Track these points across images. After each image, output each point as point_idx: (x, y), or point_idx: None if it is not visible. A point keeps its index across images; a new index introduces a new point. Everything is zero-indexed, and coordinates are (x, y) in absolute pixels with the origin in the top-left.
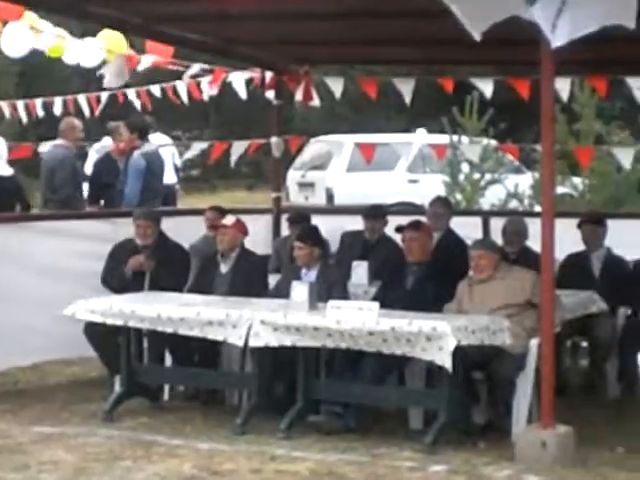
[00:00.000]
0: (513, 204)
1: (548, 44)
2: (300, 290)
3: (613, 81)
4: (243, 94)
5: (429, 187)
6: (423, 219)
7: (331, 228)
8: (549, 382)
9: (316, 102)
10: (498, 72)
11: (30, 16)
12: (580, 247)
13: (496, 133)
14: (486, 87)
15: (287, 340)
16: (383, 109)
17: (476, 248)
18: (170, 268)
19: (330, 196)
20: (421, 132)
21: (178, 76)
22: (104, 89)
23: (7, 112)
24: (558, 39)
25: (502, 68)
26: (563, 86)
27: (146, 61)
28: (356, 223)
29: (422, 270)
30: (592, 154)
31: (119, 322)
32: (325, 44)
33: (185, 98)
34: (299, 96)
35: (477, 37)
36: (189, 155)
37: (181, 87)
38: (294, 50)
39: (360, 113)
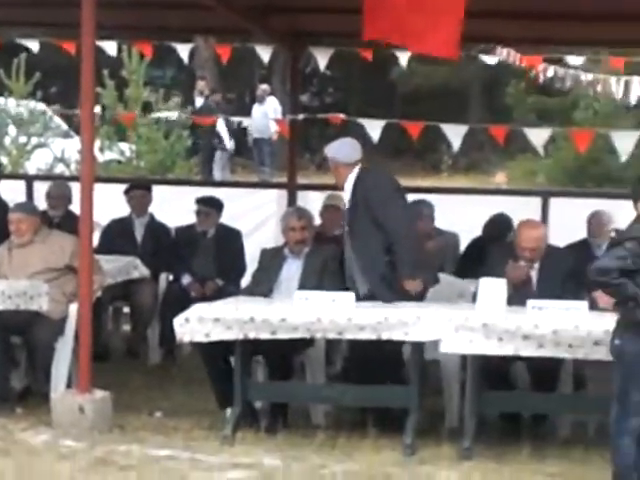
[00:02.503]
0: (60, 168)
1: (90, 5)
2: None
3: (162, 47)
4: None
5: None
6: None
7: None
8: (87, 347)
9: None
10: (46, 34)
11: None
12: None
13: (44, 96)
14: (34, 45)
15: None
16: None
17: (15, 212)
18: None
19: None
20: None
21: None
22: None
23: None
24: None
25: (50, 30)
26: (111, 50)
27: None
28: None
29: None
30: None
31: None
32: None
33: None
34: None
35: None
36: None
37: None
38: None
39: None
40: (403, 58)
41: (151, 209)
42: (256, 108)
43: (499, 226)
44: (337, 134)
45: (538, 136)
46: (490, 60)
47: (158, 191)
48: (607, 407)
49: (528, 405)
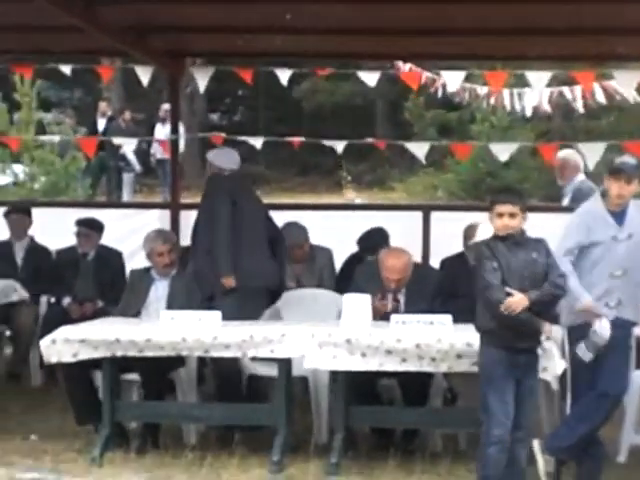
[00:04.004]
0: None
1: None
2: None
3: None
4: None
5: None
6: None
7: None
8: None
9: None
10: None
11: None
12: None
13: None
14: None
15: None
16: None
17: None
18: None
19: None
20: None
21: None
22: None
23: None
24: None
25: None
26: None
27: None
28: None
29: None
30: None
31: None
32: None
33: None
34: None
35: None
36: None
37: None
38: None
39: None
40: (283, 77)
41: (37, 231)
42: (159, 128)
43: (374, 239)
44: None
45: (419, 148)
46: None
47: (44, 213)
48: (477, 419)
49: (398, 420)
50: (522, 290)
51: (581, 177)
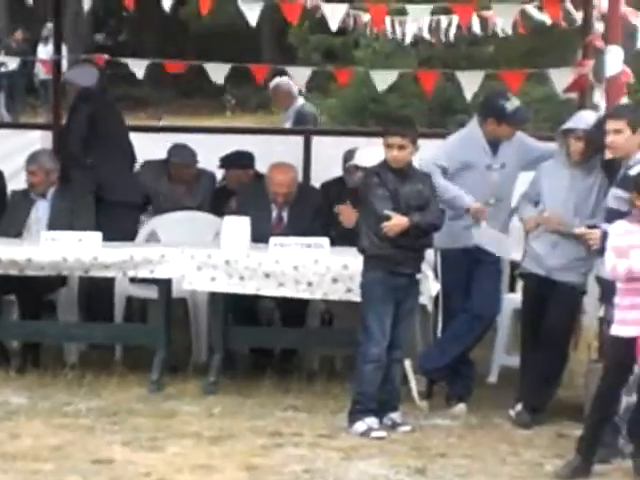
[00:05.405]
0: None
1: None
2: None
3: None
4: None
5: None
6: None
7: None
8: None
9: None
10: None
11: None
12: None
13: None
14: None
15: None
16: None
17: None
18: None
19: None
20: None
21: None
22: None
23: None
24: None
25: None
26: None
27: None
28: None
29: None
30: None
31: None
32: None
33: None
34: None
35: None
36: None
37: None
38: None
39: None
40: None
41: None
42: (41, 49)
43: (233, 159)
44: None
45: (300, 74)
46: None
47: None
48: (353, 341)
49: (276, 340)
50: None
51: (300, 101)
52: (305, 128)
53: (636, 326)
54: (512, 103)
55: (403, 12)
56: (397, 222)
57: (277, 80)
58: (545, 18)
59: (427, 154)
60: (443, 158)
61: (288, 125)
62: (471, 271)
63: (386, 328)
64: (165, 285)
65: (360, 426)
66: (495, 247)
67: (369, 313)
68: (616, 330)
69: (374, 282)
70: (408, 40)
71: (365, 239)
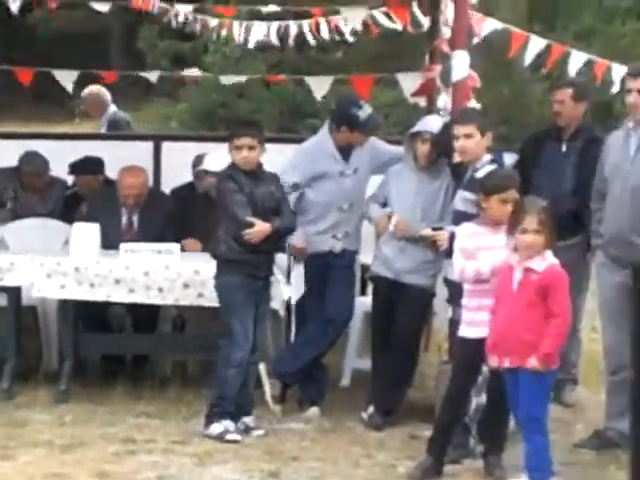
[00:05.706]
0: None
1: None
2: None
3: None
4: None
5: None
6: None
7: None
8: None
9: None
10: None
11: None
12: None
13: None
14: None
15: None
16: None
17: None
18: None
19: None
20: None
21: None
22: None
23: None
24: None
25: None
26: None
27: None
28: None
29: None
30: None
31: None
32: None
33: None
34: None
35: None
36: None
37: None
38: None
39: None
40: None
41: None
42: None
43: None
44: None
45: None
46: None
47: None
48: (206, 346)
49: (127, 346)
50: (265, 221)
51: (112, 108)
52: (156, 133)
53: (484, 327)
54: (364, 111)
55: (253, 17)
56: (260, 229)
57: (87, 90)
58: (394, 25)
59: (278, 164)
60: (294, 174)
61: (103, 129)
62: (325, 276)
63: (249, 332)
64: (14, 293)
65: (216, 428)
66: None
67: (231, 319)
68: (464, 331)
69: (234, 286)
70: (251, 45)
71: (222, 244)
